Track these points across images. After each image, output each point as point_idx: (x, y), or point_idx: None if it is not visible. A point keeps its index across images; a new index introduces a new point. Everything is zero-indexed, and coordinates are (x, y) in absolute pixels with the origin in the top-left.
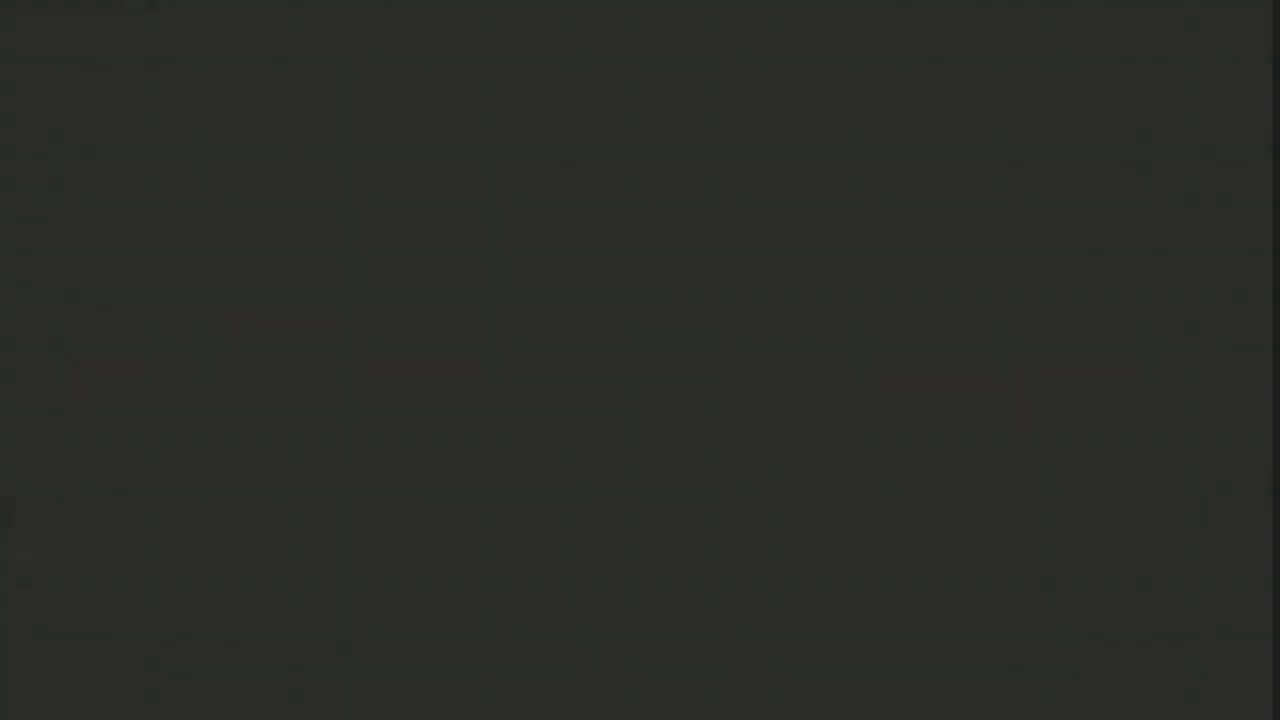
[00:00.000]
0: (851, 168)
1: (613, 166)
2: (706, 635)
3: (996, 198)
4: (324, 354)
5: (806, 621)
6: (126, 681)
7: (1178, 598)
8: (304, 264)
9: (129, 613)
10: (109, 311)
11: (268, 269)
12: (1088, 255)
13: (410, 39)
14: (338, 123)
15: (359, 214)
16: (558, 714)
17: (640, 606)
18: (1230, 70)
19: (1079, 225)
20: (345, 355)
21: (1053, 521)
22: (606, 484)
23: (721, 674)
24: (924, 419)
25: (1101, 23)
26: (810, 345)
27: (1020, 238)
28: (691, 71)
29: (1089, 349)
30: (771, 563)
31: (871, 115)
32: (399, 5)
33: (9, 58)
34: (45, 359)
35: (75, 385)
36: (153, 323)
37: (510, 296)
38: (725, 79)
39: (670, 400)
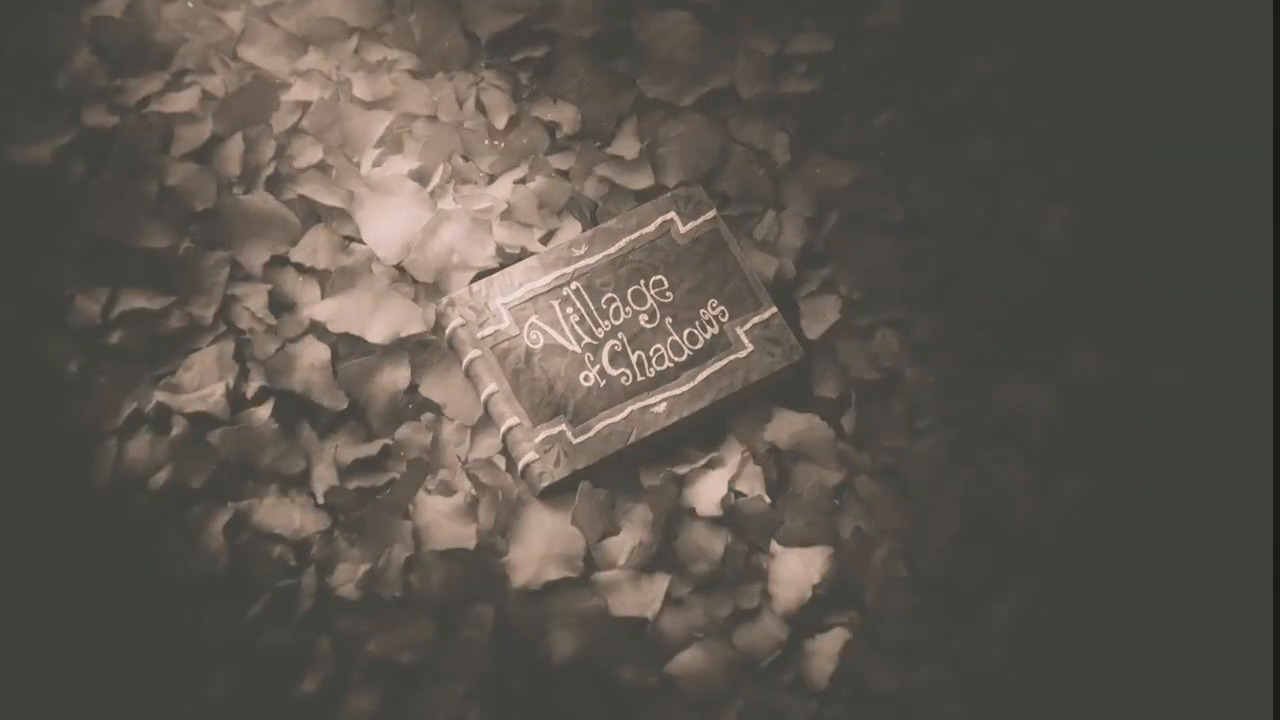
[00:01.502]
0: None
1: None
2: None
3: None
4: None
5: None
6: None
7: (1177, 598)
8: None
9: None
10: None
11: None
12: (1086, 253)
13: None
14: None
15: None
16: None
17: None
18: (1230, 69)
19: (1077, 223)
20: None
21: (1051, 520)
22: None
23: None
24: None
25: (1099, 19)
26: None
27: (1017, 235)
28: None
29: (1087, 348)
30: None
31: (866, 110)
32: None
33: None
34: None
35: None
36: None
37: None
38: None
39: None
